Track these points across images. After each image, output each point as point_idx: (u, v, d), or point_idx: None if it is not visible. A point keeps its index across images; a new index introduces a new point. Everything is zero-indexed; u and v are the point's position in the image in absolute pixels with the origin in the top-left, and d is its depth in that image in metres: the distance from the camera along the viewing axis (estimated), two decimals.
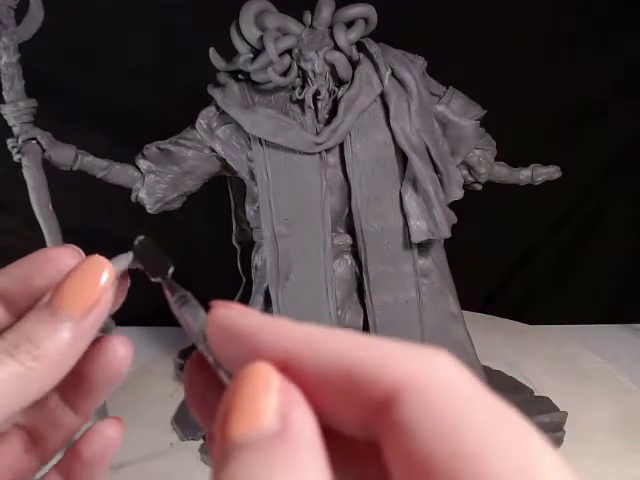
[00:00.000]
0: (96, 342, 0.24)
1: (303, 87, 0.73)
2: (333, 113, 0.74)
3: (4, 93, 0.72)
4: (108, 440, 0.24)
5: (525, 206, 1.12)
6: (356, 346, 0.17)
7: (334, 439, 0.17)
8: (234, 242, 0.90)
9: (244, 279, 0.89)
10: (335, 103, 0.74)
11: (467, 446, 0.14)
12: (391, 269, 0.76)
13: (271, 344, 0.18)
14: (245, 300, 0.83)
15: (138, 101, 1.04)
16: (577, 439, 0.80)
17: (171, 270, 0.26)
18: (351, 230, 0.77)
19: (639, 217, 1.17)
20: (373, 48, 0.73)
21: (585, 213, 1.19)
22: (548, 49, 1.06)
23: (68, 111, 1.02)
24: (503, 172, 0.83)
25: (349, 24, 0.73)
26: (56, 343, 0.22)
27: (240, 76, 0.76)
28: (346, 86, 0.74)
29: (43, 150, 0.74)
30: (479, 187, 0.83)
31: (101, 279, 0.23)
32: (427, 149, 0.74)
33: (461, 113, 0.78)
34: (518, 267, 1.23)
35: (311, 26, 0.73)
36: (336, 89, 0.74)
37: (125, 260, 0.26)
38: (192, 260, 1.19)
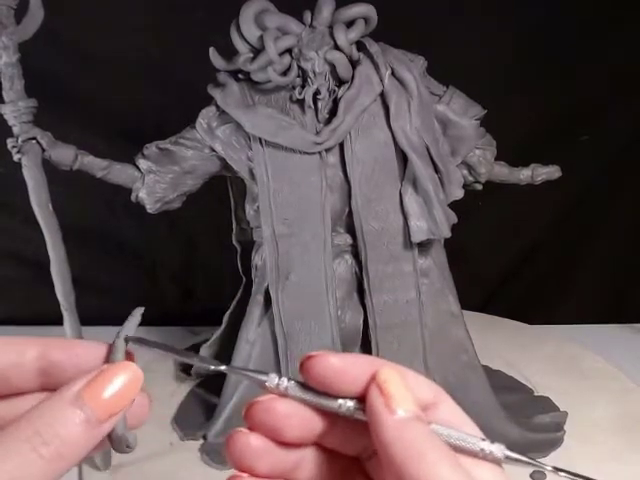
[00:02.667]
0: None
1: (303, 87, 0.73)
2: (333, 113, 0.74)
3: (4, 93, 0.71)
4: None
5: (525, 206, 1.12)
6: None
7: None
8: (234, 242, 0.90)
9: (244, 279, 0.89)
10: (335, 103, 0.74)
11: None
12: (391, 269, 0.76)
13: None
14: (245, 300, 0.83)
15: (138, 101, 1.04)
16: (577, 439, 0.80)
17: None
18: (351, 230, 0.77)
19: (639, 217, 1.17)
20: (373, 48, 0.73)
21: (585, 213, 1.19)
22: (548, 49, 1.06)
23: (68, 111, 1.02)
24: (503, 172, 0.83)
25: (349, 24, 0.73)
26: (81, 444, 0.23)
27: (240, 76, 0.76)
28: (346, 86, 0.74)
29: (43, 150, 0.74)
30: (479, 187, 0.83)
31: (134, 390, 0.24)
32: (427, 149, 0.74)
33: (461, 113, 0.78)
34: (518, 267, 1.23)
35: (311, 26, 0.73)
36: (336, 89, 0.74)
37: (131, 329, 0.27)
38: (192, 260, 1.19)
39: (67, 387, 0.23)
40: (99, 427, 0.23)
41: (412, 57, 0.76)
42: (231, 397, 0.80)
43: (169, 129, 0.79)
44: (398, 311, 0.77)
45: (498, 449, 0.25)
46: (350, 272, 0.78)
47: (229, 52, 0.75)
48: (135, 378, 0.24)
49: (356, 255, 0.78)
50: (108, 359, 0.25)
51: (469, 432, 0.25)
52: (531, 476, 0.73)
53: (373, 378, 0.25)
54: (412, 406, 0.24)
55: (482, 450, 0.25)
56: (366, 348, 0.79)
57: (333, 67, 0.72)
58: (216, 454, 0.77)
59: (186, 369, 0.93)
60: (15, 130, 0.72)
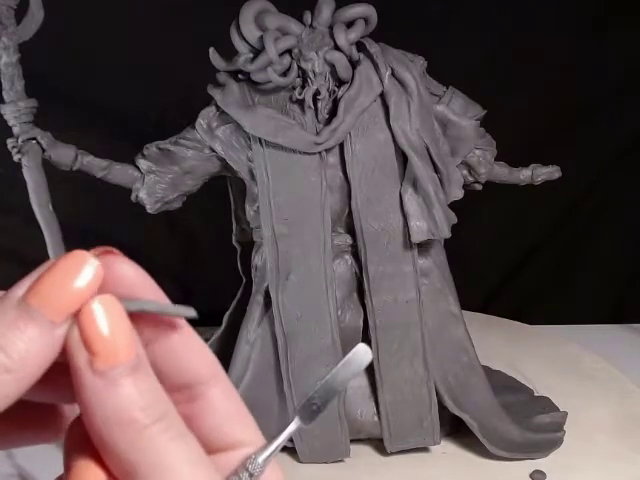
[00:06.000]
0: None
1: (303, 87, 0.73)
2: (333, 113, 0.74)
3: (4, 93, 0.72)
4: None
5: (525, 206, 1.13)
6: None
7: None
8: (234, 242, 0.90)
9: (244, 279, 0.89)
10: (335, 103, 0.74)
11: None
12: (391, 269, 0.76)
13: None
14: (245, 300, 0.83)
15: (138, 101, 1.04)
16: (577, 439, 0.80)
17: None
18: (351, 230, 0.77)
19: (639, 217, 1.17)
20: (373, 48, 0.73)
21: (585, 213, 1.19)
22: (548, 49, 1.06)
23: (68, 111, 1.02)
24: (503, 172, 0.83)
25: (349, 24, 0.73)
26: (31, 352, 0.19)
27: (240, 76, 0.76)
28: (346, 86, 0.74)
29: (43, 150, 0.74)
30: (479, 187, 0.83)
31: (87, 279, 0.20)
32: (427, 149, 0.74)
33: (461, 113, 0.78)
34: (518, 267, 1.23)
35: (311, 26, 0.73)
36: (336, 89, 0.74)
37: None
38: (192, 260, 1.19)
39: (11, 291, 0.20)
40: (53, 330, 0.19)
41: (412, 57, 0.76)
42: None
43: (169, 129, 0.79)
44: (398, 311, 0.77)
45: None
46: (350, 272, 0.78)
47: (229, 52, 0.75)
48: (86, 265, 0.20)
49: (356, 255, 0.77)
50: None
51: (238, 430, 0.22)
52: (531, 476, 0.73)
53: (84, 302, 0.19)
54: (129, 365, 0.19)
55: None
56: None
57: (333, 67, 0.72)
58: None
59: None
60: (15, 130, 0.73)
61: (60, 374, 0.21)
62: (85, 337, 0.19)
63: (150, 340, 0.21)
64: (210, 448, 0.22)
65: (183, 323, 0.22)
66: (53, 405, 0.23)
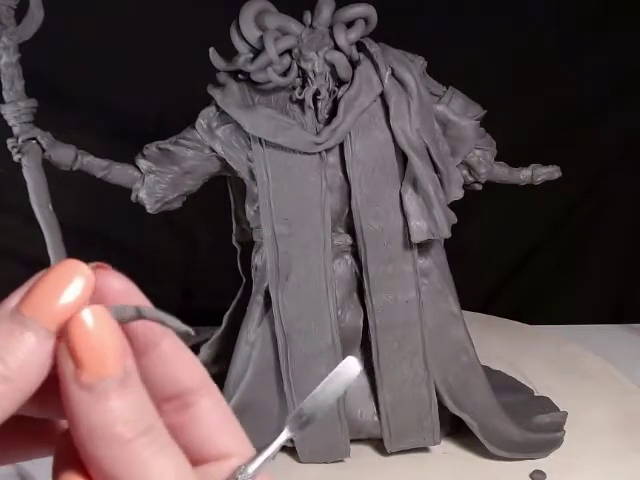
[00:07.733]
0: None
1: (303, 87, 0.73)
2: (333, 113, 0.74)
3: (4, 93, 0.72)
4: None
5: (525, 206, 1.13)
6: None
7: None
8: (234, 242, 0.90)
9: (244, 279, 0.89)
10: (335, 103, 0.74)
11: None
12: (391, 269, 0.76)
13: None
14: (245, 300, 0.83)
15: (138, 101, 1.04)
16: (577, 439, 0.80)
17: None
18: (351, 230, 0.77)
19: (639, 217, 1.17)
20: (373, 48, 0.74)
21: (585, 213, 1.19)
22: (548, 49, 1.06)
23: (68, 111, 1.02)
24: (503, 172, 0.83)
25: (349, 24, 0.73)
26: (27, 361, 0.19)
27: (240, 76, 0.76)
28: (346, 86, 0.74)
29: (43, 150, 0.74)
30: (479, 187, 0.83)
31: (79, 287, 0.19)
32: (427, 149, 0.74)
33: (461, 113, 0.78)
34: (518, 267, 1.23)
35: (311, 26, 0.73)
36: (336, 89, 0.74)
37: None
38: (192, 260, 1.19)
39: (3, 304, 0.20)
40: (50, 339, 0.19)
41: (412, 57, 0.76)
42: (230, 398, 0.80)
43: (169, 129, 0.79)
44: (398, 311, 0.77)
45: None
46: (350, 272, 0.78)
47: (229, 52, 0.75)
48: (78, 273, 0.20)
49: (356, 255, 0.77)
50: None
51: (228, 440, 0.22)
52: (531, 476, 0.73)
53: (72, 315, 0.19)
54: (117, 377, 0.19)
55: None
56: (366, 348, 0.79)
57: (333, 67, 0.72)
58: None
59: None
60: (15, 130, 0.73)
61: (57, 387, 0.21)
62: (72, 348, 0.19)
63: (140, 350, 0.21)
64: (199, 458, 0.22)
65: (172, 333, 0.22)
66: (49, 420, 0.23)
